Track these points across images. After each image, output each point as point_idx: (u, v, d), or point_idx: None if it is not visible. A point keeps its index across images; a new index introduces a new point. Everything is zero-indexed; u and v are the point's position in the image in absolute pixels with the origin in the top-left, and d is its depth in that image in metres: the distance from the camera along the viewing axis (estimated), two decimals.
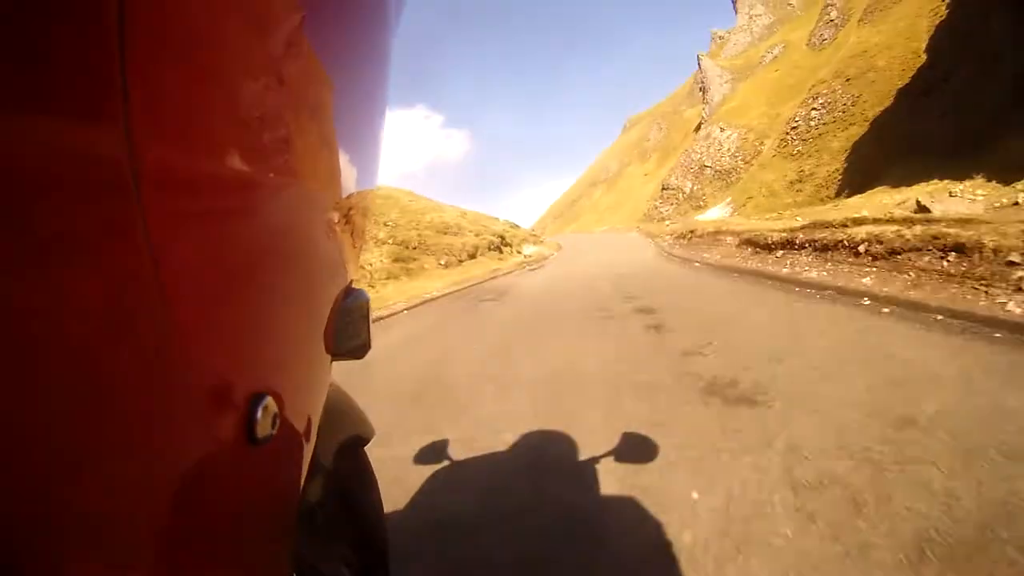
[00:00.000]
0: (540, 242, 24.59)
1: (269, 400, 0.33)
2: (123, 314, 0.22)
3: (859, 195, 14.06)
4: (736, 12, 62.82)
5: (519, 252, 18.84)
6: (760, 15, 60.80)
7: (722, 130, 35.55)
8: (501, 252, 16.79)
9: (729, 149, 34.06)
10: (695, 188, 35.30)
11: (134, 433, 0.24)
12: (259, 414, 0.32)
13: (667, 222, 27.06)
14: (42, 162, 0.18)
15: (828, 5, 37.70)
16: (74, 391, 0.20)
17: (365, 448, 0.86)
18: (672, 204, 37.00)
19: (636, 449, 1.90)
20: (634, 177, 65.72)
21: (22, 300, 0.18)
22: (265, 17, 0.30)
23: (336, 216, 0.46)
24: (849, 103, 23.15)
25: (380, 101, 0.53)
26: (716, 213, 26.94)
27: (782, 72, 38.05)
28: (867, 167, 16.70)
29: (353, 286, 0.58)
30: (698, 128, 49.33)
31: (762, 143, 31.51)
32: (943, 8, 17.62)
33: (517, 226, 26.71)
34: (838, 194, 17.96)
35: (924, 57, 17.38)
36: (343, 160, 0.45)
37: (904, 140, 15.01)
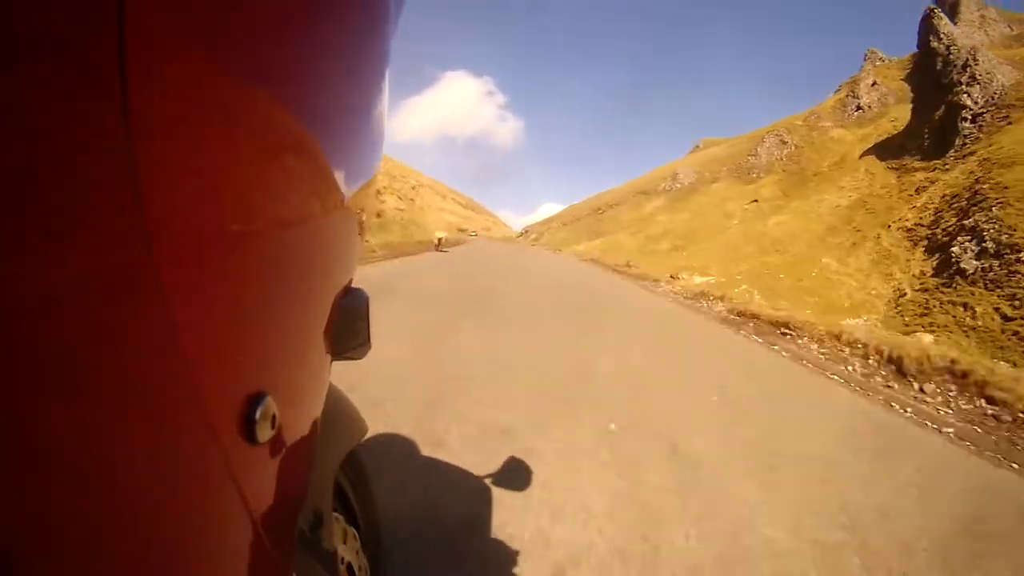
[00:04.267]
0: None
1: (269, 400, 0.33)
2: (122, 314, 0.22)
3: None
4: (959, 8, 40.52)
5: None
6: (996, 21, 39.98)
7: None
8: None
9: None
10: None
11: (132, 434, 0.24)
12: (258, 414, 0.32)
13: None
14: (40, 161, 0.18)
15: None
16: (72, 391, 0.20)
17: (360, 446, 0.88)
18: None
19: None
20: (728, 198, 40.68)
21: (20, 300, 0.18)
22: (263, 17, 0.30)
23: (335, 216, 0.46)
24: None
25: (380, 99, 0.52)
26: None
27: None
28: None
29: (352, 286, 0.58)
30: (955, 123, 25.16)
31: None
32: None
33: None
34: None
35: None
36: (342, 160, 0.45)
37: None
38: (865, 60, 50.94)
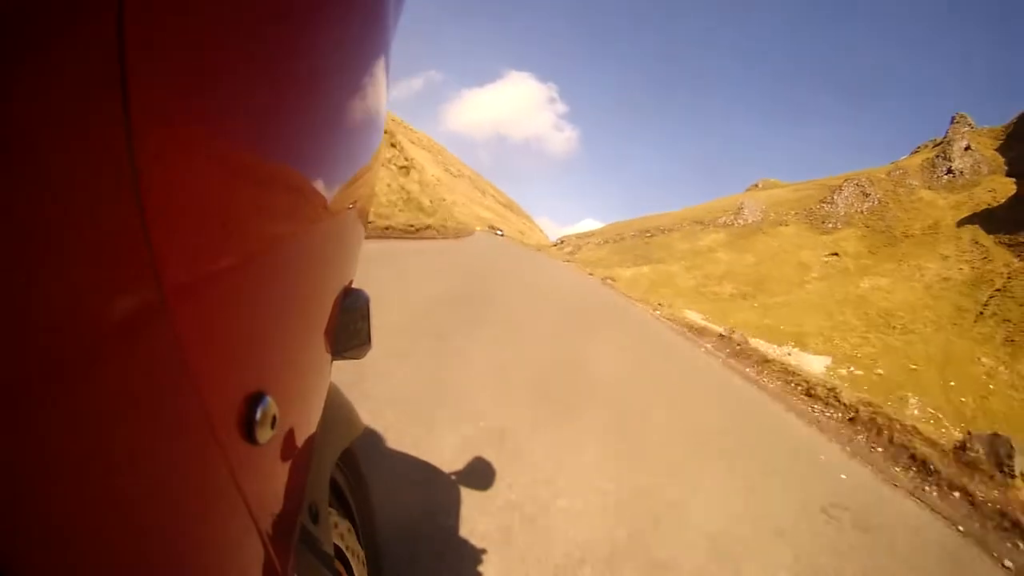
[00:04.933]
0: None
1: (269, 401, 0.33)
2: (122, 315, 0.22)
3: None
4: None
5: None
6: None
7: None
8: None
9: None
10: None
11: (133, 434, 0.24)
12: (259, 415, 0.32)
13: None
14: (40, 161, 0.18)
15: None
16: (72, 391, 0.20)
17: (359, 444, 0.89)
18: None
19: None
20: (801, 246, 38.34)
21: (19, 301, 0.18)
22: (263, 15, 0.30)
23: (335, 216, 0.46)
24: None
25: (379, 99, 0.53)
26: None
27: None
28: None
29: (352, 286, 0.59)
30: None
31: None
32: None
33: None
34: None
35: None
36: (341, 160, 0.45)
37: None
38: (953, 123, 48.34)
